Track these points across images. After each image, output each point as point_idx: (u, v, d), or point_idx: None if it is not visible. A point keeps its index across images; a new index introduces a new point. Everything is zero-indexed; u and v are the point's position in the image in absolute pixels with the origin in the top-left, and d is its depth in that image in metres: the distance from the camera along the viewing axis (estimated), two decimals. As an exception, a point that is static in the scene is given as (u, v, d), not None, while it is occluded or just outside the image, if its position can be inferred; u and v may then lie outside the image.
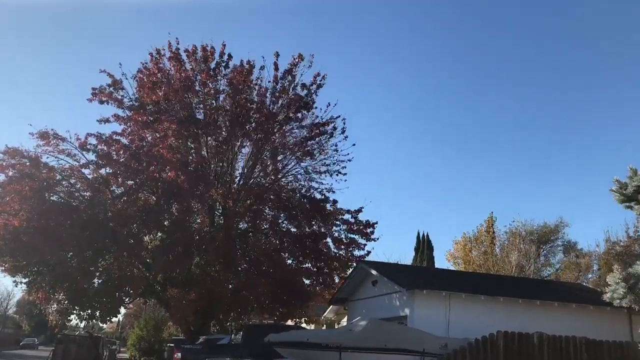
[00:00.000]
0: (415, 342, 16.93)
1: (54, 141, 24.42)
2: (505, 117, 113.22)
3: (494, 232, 42.30)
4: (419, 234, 42.72)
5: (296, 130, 27.53)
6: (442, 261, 45.66)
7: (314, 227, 26.76)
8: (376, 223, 26.41)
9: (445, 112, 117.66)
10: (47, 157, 24.57)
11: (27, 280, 25.53)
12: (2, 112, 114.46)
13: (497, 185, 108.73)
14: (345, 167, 27.73)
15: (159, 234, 26.35)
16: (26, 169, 23.76)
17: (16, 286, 26.93)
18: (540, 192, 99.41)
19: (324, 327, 31.62)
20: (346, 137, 27.45)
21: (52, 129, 24.37)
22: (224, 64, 26.06)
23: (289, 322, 27.13)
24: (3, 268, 24.86)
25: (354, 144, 32.74)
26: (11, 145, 24.05)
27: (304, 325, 26.88)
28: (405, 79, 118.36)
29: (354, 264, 26.19)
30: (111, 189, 25.18)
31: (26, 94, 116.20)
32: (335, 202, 26.78)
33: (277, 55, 26.14)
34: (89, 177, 25.38)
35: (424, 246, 41.49)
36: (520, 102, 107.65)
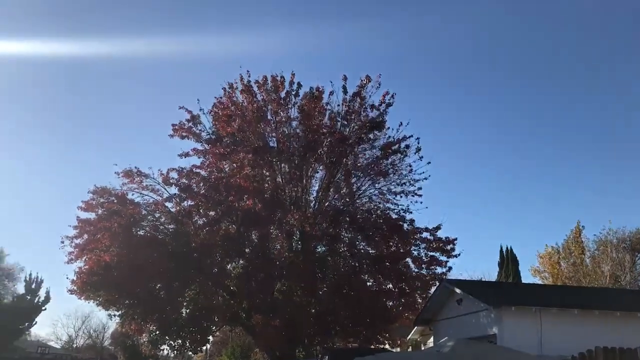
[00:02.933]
0: (507, 361, 16.24)
1: (138, 178, 25.79)
2: (587, 121, 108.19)
3: (582, 241, 40.25)
4: (502, 248, 41.32)
5: (368, 151, 27.57)
6: (528, 275, 43.84)
7: (392, 247, 26.49)
8: (456, 239, 25.87)
9: (523, 120, 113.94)
10: (133, 194, 25.99)
11: (120, 312, 26.81)
12: (90, 153, 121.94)
13: (583, 193, 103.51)
14: (420, 189, 27.26)
15: (241, 262, 26.93)
16: (114, 207, 25.17)
17: (110, 319, 28.34)
18: (631, 196, 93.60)
19: (410, 349, 30.98)
20: (421, 157, 26.93)
21: (135, 167, 25.80)
22: (293, 92, 26.63)
23: (373, 346, 26.78)
24: (98, 302, 26.29)
25: (429, 162, 28.19)
26: (99, 185, 25.62)
27: (388, 347, 26.39)
28: (480, 89, 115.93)
29: (437, 283, 25.63)
30: (193, 220, 26.11)
31: (110, 135, 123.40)
32: (412, 221, 26.43)
33: (345, 78, 26.39)
34: (172, 210, 26.48)
35: (508, 260, 40.04)
36: (601, 110, 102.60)
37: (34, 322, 53.84)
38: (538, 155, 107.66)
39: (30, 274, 52.64)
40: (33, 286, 52.01)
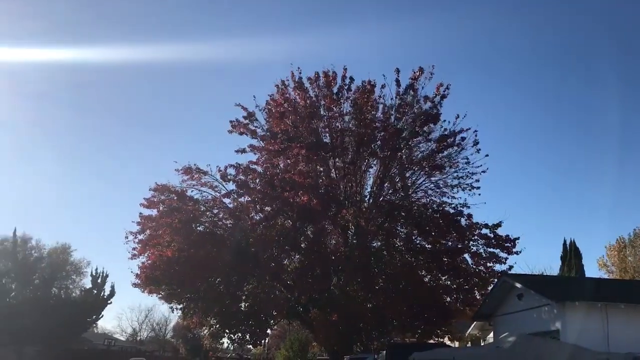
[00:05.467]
0: (572, 358, 15.76)
1: (197, 175, 26.42)
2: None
3: (653, 233, 38.41)
4: (565, 241, 39.95)
5: (423, 144, 27.22)
6: (592, 270, 42.21)
7: (450, 243, 26.12)
8: (517, 239, 24.99)
9: (587, 110, 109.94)
10: (192, 191, 26.63)
11: (181, 306, 27.60)
12: (151, 152, 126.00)
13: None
14: (478, 181, 26.71)
15: (297, 257, 27.19)
16: (174, 203, 25.91)
17: (172, 312, 29.24)
18: None
19: (469, 344, 30.51)
20: (478, 149, 26.32)
21: (194, 164, 26.42)
22: (346, 87, 26.55)
23: (432, 340, 26.54)
24: (160, 296, 27.18)
25: (486, 155, 27.03)
26: (160, 183, 26.41)
27: (447, 342, 26.09)
28: (540, 81, 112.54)
29: (495, 280, 25.07)
30: (250, 215, 26.55)
31: (171, 134, 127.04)
32: (470, 216, 25.89)
33: (398, 71, 26.14)
34: (230, 206, 27.01)
35: (571, 254, 38.69)
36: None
37: (100, 315, 56.16)
38: (603, 145, 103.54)
39: (96, 269, 54.96)
40: (99, 280, 54.21)
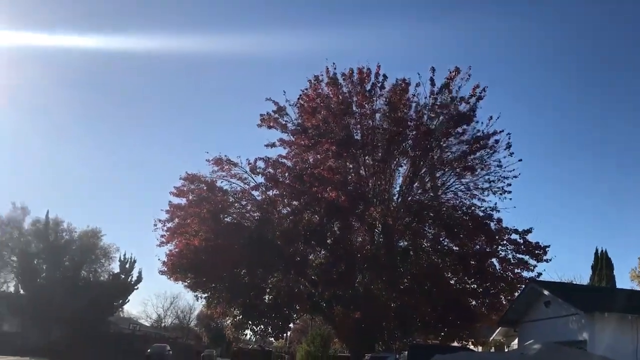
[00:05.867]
0: (599, 370, 15.34)
1: (227, 166, 26.62)
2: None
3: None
4: (597, 250, 39.02)
5: (455, 146, 26.84)
6: (624, 281, 41.14)
7: (478, 246, 25.78)
8: (548, 247, 24.59)
9: (622, 118, 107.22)
10: (221, 182, 26.84)
11: (206, 295, 27.90)
12: (183, 142, 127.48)
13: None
14: (510, 185, 26.28)
15: (323, 252, 27.18)
16: (203, 193, 26.20)
17: (197, 300, 29.62)
18: None
19: (492, 350, 30.08)
20: (511, 153, 25.90)
21: (225, 156, 26.63)
22: (379, 85, 26.34)
23: (455, 343, 26.24)
24: (186, 284, 27.52)
25: (520, 160, 26.59)
26: (190, 172, 26.67)
27: (471, 347, 25.77)
28: (576, 86, 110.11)
29: (523, 286, 24.61)
30: (278, 209, 26.65)
31: (202, 123, 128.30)
32: (499, 220, 25.49)
33: (433, 70, 25.79)
34: (258, 198, 27.15)
35: (602, 264, 37.77)
36: None
37: (126, 300, 57.21)
38: (638, 154, 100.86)
39: (124, 254, 55.90)
40: (127, 266, 55.13)
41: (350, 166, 27.85)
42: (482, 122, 25.96)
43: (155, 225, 27.19)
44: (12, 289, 53.94)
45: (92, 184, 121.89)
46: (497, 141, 25.79)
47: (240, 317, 27.48)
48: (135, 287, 56.04)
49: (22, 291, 51.97)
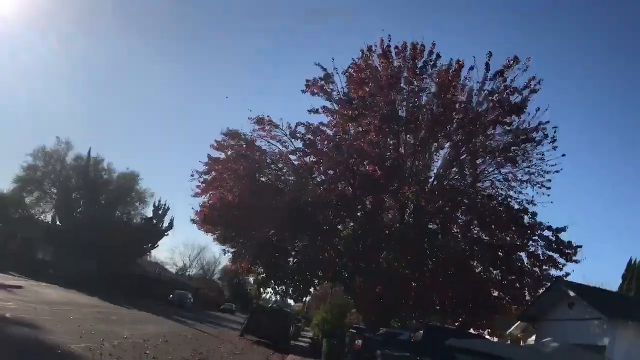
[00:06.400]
0: (615, 377, 15.22)
1: (268, 127, 26.80)
2: None
3: None
4: (631, 260, 38.11)
5: (500, 135, 26.28)
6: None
7: (508, 238, 25.49)
8: (580, 247, 24.07)
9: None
10: (261, 142, 27.11)
11: (233, 250, 28.51)
12: (229, 96, 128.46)
13: None
14: (550, 181, 25.74)
15: (352, 224, 27.33)
16: (243, 150, 26.54)
17: (224, 255, 30.28)
18: None
19: (509, 343, 30.00)
20: (555, 147, 25.26)
21: (267, 116, 26.76)
22: (431, 63, 25.73)
23: (472, 332, 26.27)
24: (215, 237, 28.15)
25: (563, 155, 25.78)
26: (232, 128, 26.98)
27: (487, 337, 25.75)
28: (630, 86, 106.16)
29: (549, 284, 24.33)
30: (313, 176, 26.80)
31: (249, 82, 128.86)
32: (534, 215, 25.05)
33: (490, 55, 24.87)
34: (295, 163, 27.34)
35: (634, 275, 36.94)
36: None
37: (156, 245, 58.92)
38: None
39: (159, 201, 57.38)
40: (160, 212, 56.58)
41: (391, 143, 27.59)
42: (529, 113, 25.28)
43: (192, 175, 27.82)
44: (49, 219, 56.06)
45: (136, 128, 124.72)
46: (546, 135, 25.14)
47: (264, 275, 28.07)
48: (166, 234, 57.64)
49: (58, 222, 53.95)
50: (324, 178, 27.16)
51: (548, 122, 25.21)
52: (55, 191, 55.83)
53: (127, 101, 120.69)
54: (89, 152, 55.65)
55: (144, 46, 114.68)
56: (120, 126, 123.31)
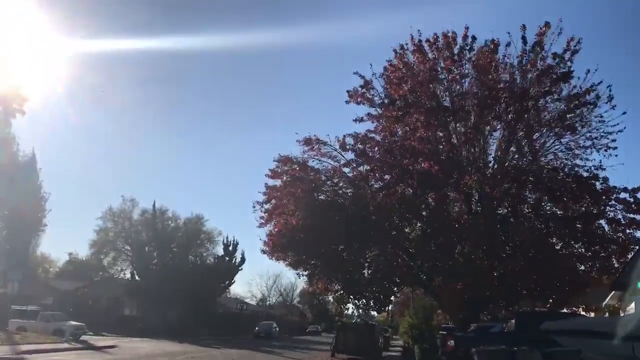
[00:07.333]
0: None
1: (317, 146, 26.90)
2: None
3: None
4: None
5: (551, 104, 25.36)
6: None
7: (583, 208, 24.44)
8: None
9: None
10: (312, 161, 27.25)
11: (307, 272, 28.65)
12: (274, 124, 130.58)
13: None
14: (615, 141, 24.52)
15: (419, 225, 26.92)
16: (297, 173, 26.74)
17: (299, 278, 30.51)
18: None
19: (606, 315, 28.63)
20: (613, 106, 24.00)
21: (314, 135, 26.94)
22: (467, 48, 25.15)
23: (565, 310, 25.23)
24: (287, 262, 28.38)
25: (624, 113, 24.51)
26: (283, 154, 27.26)
27: (582, 313, 24.68)
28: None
29: (637, 247, 23.09)
30: (370, 184, 26.66)
31: (291, 108, 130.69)
32: (605, 179, 23.94)
33: (524, 27, 24.05)
34: (349, 175, 27.29)
35: None
36: None
37: (232, 281, 60.06)
38: None
39: (227, 237, 58.65)
40: (230, 248, 57.68)
41: (441, 135, 27.08)
42: (578, 77, 24.30)
43: (254, 207, 28.27)
44: (128, 276, 58.27)
45: (192, 173, 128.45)
46: (598, 96, 24.10)
47: (342, 292, 28.05)
48: (240, 268, 58.68)
49: (137, 277, 55.92)
50: (381, 184, 26.93)
51: (601, 82, 24.05)
52: (129, 248, 57.96)
53: (175, 147, 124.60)
54: (154, 205, 57.63)
55: (183, 93, 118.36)
56: (176, 173, 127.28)
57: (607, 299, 26.85)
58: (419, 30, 25.92)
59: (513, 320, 21.11)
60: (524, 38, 24.14)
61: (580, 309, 25.64)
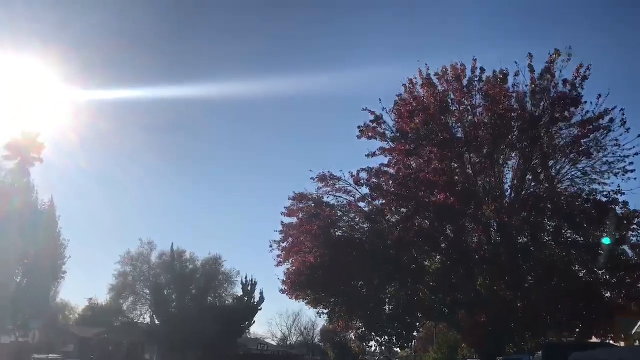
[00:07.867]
0: None
1: (331, 181, 26.95)
2: None
3: None
4: None
5: (565, 130, 25.26)
6: None
7: (605, 234, 24.04)
8: None
9: None
10: (328, 197, 27.27)
11: (327, 310, 28.30)
12: (287, 162, 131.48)
13: None
14: (632, 164, 24.27)
15: (438, 257, 26.63)
16: (312, 211, 26.70)
17: (319, 317, 30.13)
18: None
19: (638, 344, 27.83)
20: (628, 129, 23.91)
21: (328, 172, 27.00)
22: (477, 79, 25.43)
23: (593, 340, 24.56)
24: (307, 301, 28.07)
25: (639, 135, 24.06)
26: (297, 192, 27.32)
27: (612, 342, 24.00)
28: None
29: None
30: (387, 218, 26.52)
31: (304, 146, 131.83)
32: (626, 203, 23.63)
33: (531, 56, 24.51)
34: (365, 209, 27.20)
35: None
36: None
37: (252, 321, 59.52)
38: None
39: (245, 277, 58.31)
40: (249, 288, 57.36)
41: (456, 166, 27.03)
42: (590, 102, 24.32)
43: (270, 246, 28.14)
44: (148, 320, 57.93)
45: (209, 216, 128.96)
46: (612, 120, 24.02)
47: (363, 329, 27.60)
48: (259, 308, 58.22)
49: (157, 321, 55.65)
50: (397, 217, 26.78)
51: (615, 107, 24.05)
52: (148, 292, 57.84)
53: (190, 190, 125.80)
54: (172, 247, 57.66)
55: (198, 134, 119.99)
56: (192, 216, 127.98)
57: (636, 327, 26.13)
58: (426, 64, 26.33)
59: (540, 352, 20.61)
60: (531, 66, 24.54)
61: (609, 338, 24.92)
